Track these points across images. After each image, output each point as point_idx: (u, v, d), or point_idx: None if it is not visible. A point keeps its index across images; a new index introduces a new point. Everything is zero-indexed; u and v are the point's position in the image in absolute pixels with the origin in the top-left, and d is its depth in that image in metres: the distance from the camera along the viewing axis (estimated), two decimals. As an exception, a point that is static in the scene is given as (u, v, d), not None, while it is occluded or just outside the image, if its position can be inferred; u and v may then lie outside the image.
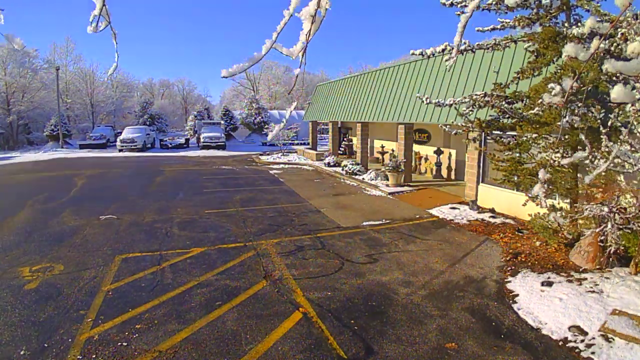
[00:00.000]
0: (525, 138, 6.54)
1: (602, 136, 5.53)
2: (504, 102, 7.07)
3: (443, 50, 6.59)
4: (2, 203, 11.56)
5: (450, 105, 7.68)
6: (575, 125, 5.96)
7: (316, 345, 4.36)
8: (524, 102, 6.83)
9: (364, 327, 4.72)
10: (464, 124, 7.49)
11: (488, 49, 6.95)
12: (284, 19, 1.33)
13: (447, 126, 8.07)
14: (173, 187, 14.21)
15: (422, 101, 7.71)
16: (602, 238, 6.18)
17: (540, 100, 6.12)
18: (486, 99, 7.23)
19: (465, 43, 6.79)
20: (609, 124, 5.67)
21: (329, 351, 4.25)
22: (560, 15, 6.53)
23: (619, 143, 5.19)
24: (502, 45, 6.90)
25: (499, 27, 6.66)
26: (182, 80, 71.75)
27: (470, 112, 7.34)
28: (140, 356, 4.15)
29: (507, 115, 7.06)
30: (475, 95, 7.37)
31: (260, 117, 39.51)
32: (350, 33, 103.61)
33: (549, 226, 7.01)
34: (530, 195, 6.88)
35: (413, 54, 6.63)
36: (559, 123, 5.82)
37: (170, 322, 4.81)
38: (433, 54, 6.55)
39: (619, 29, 5.67)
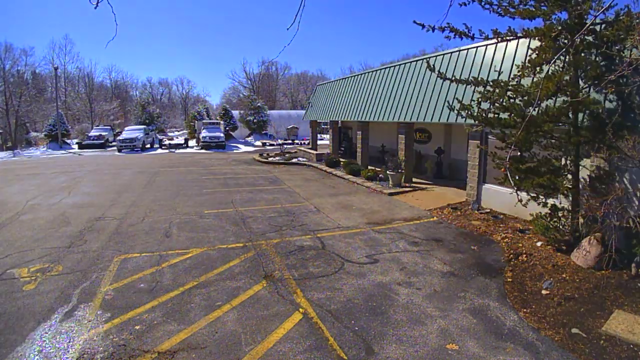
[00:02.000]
0: (526, 136, 6.50)
1: (607, 130, 5.49)
2: (505, 96, 7.01)
3: (443, 29, 6.58)
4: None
5: (453, 81, 7.62)
6: (579, 122, 5.92)
7: (316, 346, 4.33)
8: (526, 98, 6.78)
9: (365, 328, 4.69)
10: (465, 116, 7.42)
11: (489, 39, 6.91)
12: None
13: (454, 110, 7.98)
14: (172, 187, 14.17)
15: (429, 67, 7.70)
16: (604, 238, 6.15)
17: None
18: (487, 88, 7.16)
19: (466, 27, 6.74)
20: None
21: (329, 352, 4.22)
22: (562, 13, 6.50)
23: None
24: (502, 36, 6.85)
25: (500, 11, 6.62)
26: (181, 80, 71.84)
27: (471, 105, 7.29)
28: (139, 357, 4.11)
29: (508, 112, 7.01)
30: (480, 78, 7.32)
31: (259, 117, 39.49)
32: (352, 33, 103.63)
33: (550, 226, 6.98)
34: (531, 195, 6.84)
35: (415, 22, 6.62)
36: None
37: (170, 323, 4.78)
38: (434, 29, 6.53)
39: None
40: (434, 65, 7.97)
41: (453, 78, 7.57)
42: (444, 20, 6.44)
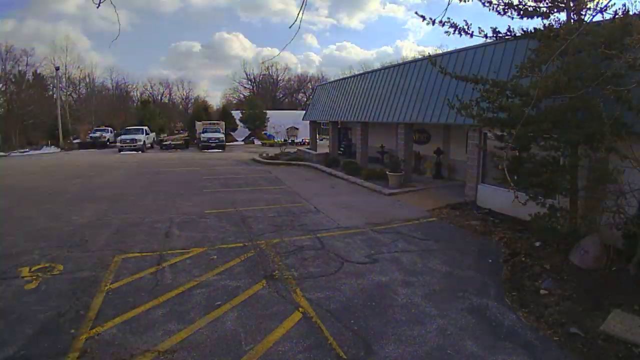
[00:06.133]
0: (525, 136, 6.52)
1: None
2: (504, 95, 7.03)
3: (443, 22, 6.65)
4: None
5: (453, 77, 7.65)
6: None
7: (316, 345, 4.35)
8: (524, 97, 6.80)
9: (364, 327, 4.71)
10: (465, 115, 7.45)
11: (488, 37, 6.95)
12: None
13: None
14: (172, 187, 14.20)
15: (431, 61, 7.78)
16: (602, 238, 6.17)
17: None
18: (487, 87, 7.19)
19: (466, 24, 6.78)
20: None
21: (328, 351, 4.24)
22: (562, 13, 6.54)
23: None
24: (501, 34, 6.88)
25: (500, 10, 6.66)
26: (181, 80, 71.91)
27: (471, 104, 7.32)
28: (139, 356, 4.13)
29: (507, 112, 7.03)
30: (480, 76, 7.36)
31: (259, 117, 39.53)
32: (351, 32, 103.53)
33: (549, 226, 6.99)
34: (530, 195, 6.86)
35: (416, 14, 6.75)
36: None
37: (170, 322, 4.80)
38: (434, 22, 6.59)
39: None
40: (435, 60, 8.00)
41: (454, 74, 7.60)
42: (443, 18, 6.48)
